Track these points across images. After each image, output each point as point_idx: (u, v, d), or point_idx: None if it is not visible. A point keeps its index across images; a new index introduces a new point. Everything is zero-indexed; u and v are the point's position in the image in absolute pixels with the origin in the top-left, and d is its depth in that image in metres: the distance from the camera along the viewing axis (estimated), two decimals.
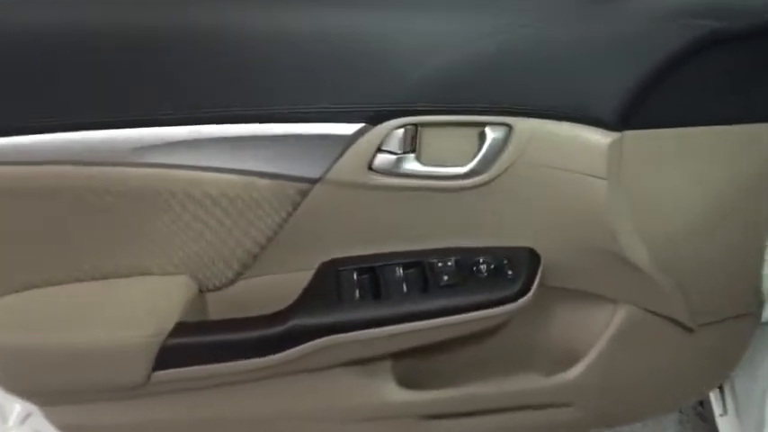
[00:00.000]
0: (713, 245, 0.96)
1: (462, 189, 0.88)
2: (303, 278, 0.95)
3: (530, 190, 0.89)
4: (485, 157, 0.86)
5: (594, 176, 0.85)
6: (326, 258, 0.95)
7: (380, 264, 0.94)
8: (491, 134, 0.85)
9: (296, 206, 0.87)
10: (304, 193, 0.87)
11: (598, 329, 1.04)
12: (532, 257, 0.95)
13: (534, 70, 0.83)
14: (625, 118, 0.83)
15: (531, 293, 0.91)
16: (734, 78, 0.87)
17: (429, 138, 0.86)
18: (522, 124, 0.84)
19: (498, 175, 0.87)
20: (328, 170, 0.85)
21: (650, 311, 1.01)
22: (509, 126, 0.85)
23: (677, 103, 0.86)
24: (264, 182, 0.85)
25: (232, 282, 0.95)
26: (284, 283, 0.96)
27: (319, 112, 0.83)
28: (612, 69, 0.82)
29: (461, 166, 0.87)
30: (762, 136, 0.89)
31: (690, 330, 1.02)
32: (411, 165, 0.86)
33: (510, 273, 0.92)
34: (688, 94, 0.86)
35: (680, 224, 0.92)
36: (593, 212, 0.88)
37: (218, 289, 0.95)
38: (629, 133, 0.84)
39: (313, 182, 0.86)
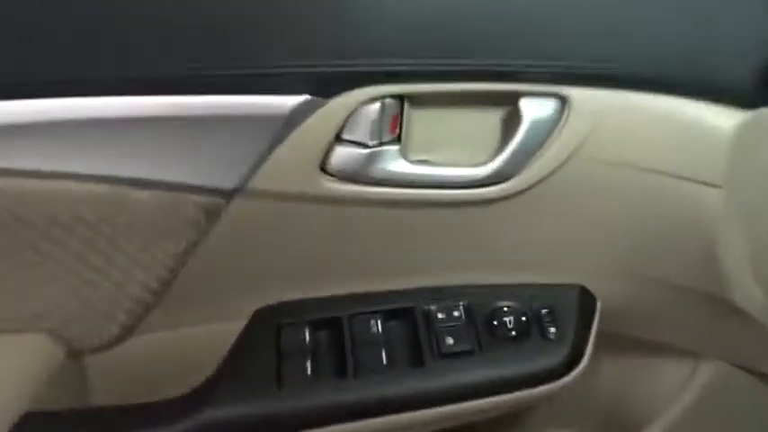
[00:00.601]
0: None
1: (480, 202, 0.54)
2: (231, 330, 0.62)
3: (589, 201, 0.55)
4: (519, 149, 0.51)
5: (702, 182, 0.50)
6: (262, 303, 0.61)
7: (346, 313, 0.60)
8: (531, 112, 0.50)
9: (202, 232, 0.53)
10: (213, 213, 0.52)
11: (670, 391, 0.72)
12: (585, 301, 0.61)
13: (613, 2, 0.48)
14: (759, 90, 0.48)
15: (584, 362, 0.58)
16: None
17: (423, 119, 0.52)
18: (586, 97, 0.49)
19: (540, 180, 0.53)
20: (251, 175, 0.50)
21: (746, 368, 0.68)
22: (562, 99, 0.50)
23: None
24: (144, 195, 0.50)
25: (120, 340, 0.61)
26: (204, 338, 0.63)
27: (233, 75, 0.47)
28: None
29: (478, 164, 0.52)
30: None
31: None
32: (392, 164, 0.52)
33: (552, 330, 0.58)
34: None
35: None
36: (693, 239, 0.54)
37: (100, 350, 0.61)
38: (765, 112, 0.49)
39: (227, 195, 0.51)
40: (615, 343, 0.69)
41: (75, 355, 0.61)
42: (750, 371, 0.70)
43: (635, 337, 0.68)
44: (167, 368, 0.63)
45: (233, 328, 0.62)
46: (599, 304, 0.62)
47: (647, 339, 0.69)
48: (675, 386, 0.72)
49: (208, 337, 0.62)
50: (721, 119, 0.49)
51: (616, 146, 0.52)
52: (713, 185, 0.51)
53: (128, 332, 0.60)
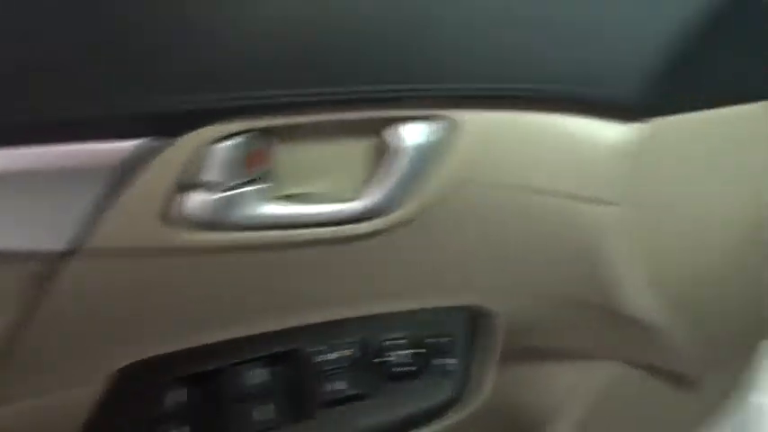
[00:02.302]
0: (732, 276, 0.63)
1: (361, 237, 0.48)
2: (89, 395, 0.53)
3: (482, 226, 0.51)
4: (400, 179, 0.46)
5: (596, 201, 0.48)
6: (124, 362, 0.53)
7: (221, 364, 0.53)
8: (414, 139, 0.45)
9: (32, 304, 0.44)
10: (42, 281, 0.43)
11: (568, 393, 0.70)
12: (483, 322, 0.58)
13: (495, 19, 0.43)
14: (657, 97, 0.45)
15: (485, 389, 0.55)
16: None
17: (292, 152, 0.45)
18: (474, 120, 0.45)
19: (427, 209, 0.48)
20: (85, 234, 0.41)
21: (643, 366, 0.67)
22: (449, 122, 0.45)
23: (731, 65, 0.49)
24: None
25: None
26: (58, 407, 0.54)
27: (49, 117, 0.38)
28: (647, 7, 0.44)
29: (355, 199, 0.47)
30: None
31: (692, 384, 0.71)
32: (255, 205, 0.45)
33: (448, 360, 0.54)
34: (746, 47, 0.49)
35: (711, 253, 0.57)
36: (587, 256, 0.51)
37: None
38: (657, 123, 0.47)
39: (58, 258, 0.42)
40: (513, 355, 0.67)
41: None
42: (650, 368, 0.70)
43: (533, 347, 0.66)
44: None
45: (91, 392, 0.54)
46: (498, 322, 0.59)
47: (544, 348, 0.67)
48: (573, 388, 0.71)
49: (61, 405, 0.54)
50: (612, 134, 0.46)
51: (508, 169, 0.47)
52: (608, 203, 0.48)
53: None
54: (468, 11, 0.44)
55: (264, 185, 0.45)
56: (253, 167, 0.44)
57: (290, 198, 0.47)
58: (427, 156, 0.45)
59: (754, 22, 0.54)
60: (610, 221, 0.49)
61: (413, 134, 0.45)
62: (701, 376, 0.71)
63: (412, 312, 0.57)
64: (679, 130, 0.50)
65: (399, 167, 0.45)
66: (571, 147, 0.46)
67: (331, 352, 0.54)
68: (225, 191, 0.43)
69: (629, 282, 0.53)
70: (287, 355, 0.54)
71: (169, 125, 0.40)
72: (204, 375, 0.53)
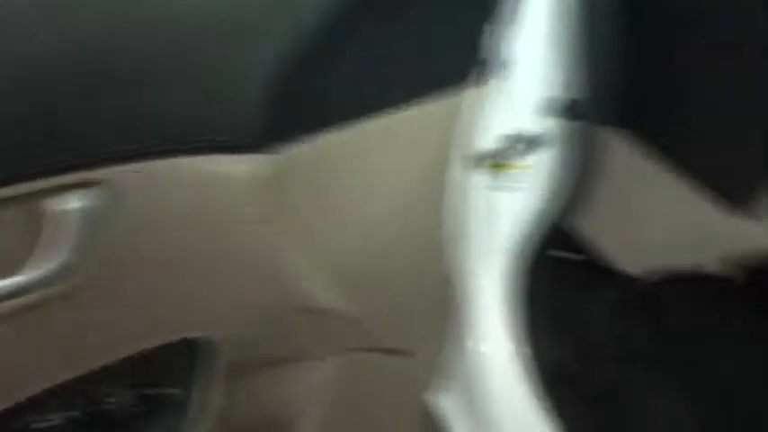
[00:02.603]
0: (399, 259, 0.75)
1: (42, 304, 0.50)
2: None
3: (165, 268, 0.56)
4: (74, 242, 0.49)
5: (254, 222, 0.56)
6: None
7: None
8: (75, 203, 0.49)
9: None
10: None
11: (304, 395, 0.78)
12: (200, 350, 0.63)
13: (107, 78, 0.49)
14: (269, 130, 0.55)
15: (214, 411, 0.60)
16: (406, 43, 0.63)
17: None
18: (130, 174, 0.50)
19: (108, 264, 0.52)
20: None
21: (364, 350, 0.78)
22: (107, 182, 0.50)
23: (338, 92, 0.60)
24: None
25: None
26: None
27: None
28: (238, 48, 0.53)
29: (29, 269, 0.49)
30: (436, 113, 0.68)
31: (408, 354, 0.83)
32: None
33: (173, 391, 0.59)
34: (351, 73, 0.60)
35: (364, 246, 0.69)
36: (268, 271, 0.59)
37: None
38: (296, 147, 0.56)
39: None
40: (242, 372, 0.72)
41: None
42: (368, 351, 0.80)
43: (260, 360, 0.72)
44: None
45: None
46: (217, 347, 0.64)
47: (272, 358, 0.73)
48: (311, 388, 0.78)
49: None
50: (247, 165, 0.54)
51: (172, 211, 0.53)
52: (263, 221, 0.56)
53: None
54: (102, 81, 0.50)
55: None
56: None
57: None
58: (90, 217, 0.49)
59: (379, 37, 0.62)
60: (273, 236, 0.57)
61: (72, 200, 0.49)
62: (410, 346, 0.83)
63: (129, 362, 0.60)
64: (323, 147, 0.59)
65: (64, 233, 0.49)
66: (217, 181, 0.54)
67: (52, 417, 0.55)
68: None
69: (311, 281, 0.62)
70: None
71: None
72: None
